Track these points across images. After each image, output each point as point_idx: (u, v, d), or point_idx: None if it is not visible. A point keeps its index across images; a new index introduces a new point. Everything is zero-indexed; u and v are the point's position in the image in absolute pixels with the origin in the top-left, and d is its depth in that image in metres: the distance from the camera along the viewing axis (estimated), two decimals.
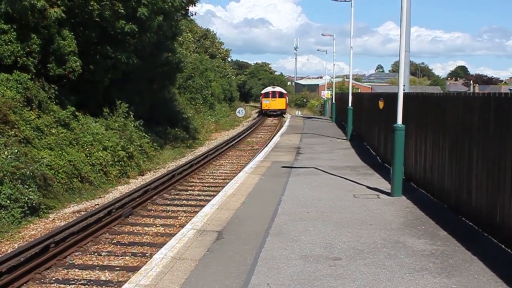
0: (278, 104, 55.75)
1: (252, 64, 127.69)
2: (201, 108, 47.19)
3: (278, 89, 58.23)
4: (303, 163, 16.78)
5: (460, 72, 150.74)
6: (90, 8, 20.57)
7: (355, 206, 10.42)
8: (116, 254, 10.73)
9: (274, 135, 31.54)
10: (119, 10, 21.60)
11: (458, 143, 9.39)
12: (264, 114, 56.19)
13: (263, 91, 59.11)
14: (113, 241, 11.66)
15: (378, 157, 17.86)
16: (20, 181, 14.17)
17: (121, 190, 18.38)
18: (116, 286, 9.01)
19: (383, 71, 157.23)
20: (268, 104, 55.89)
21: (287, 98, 59.21)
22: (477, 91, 78.74)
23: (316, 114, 59.87)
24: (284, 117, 53.62)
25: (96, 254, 10.78)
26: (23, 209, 13.56)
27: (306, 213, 9.88)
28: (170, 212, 14.45)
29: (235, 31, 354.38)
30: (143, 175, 21.65)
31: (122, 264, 10.16)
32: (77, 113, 20.60)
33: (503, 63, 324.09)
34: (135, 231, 12.56)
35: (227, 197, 11.43)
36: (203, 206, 11.92)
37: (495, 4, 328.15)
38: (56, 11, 19.04)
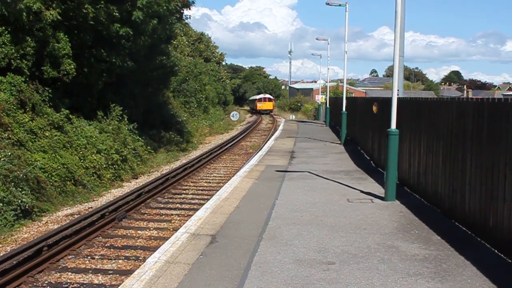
0: (267, 106, 78.52)
1: (247, 68, 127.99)
2: (195, 112, 47.18)
3: (267, 95, 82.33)
4: (297, 167, 16.80)
5: (454, 77, 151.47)
6: (85, 11, 20.54)
7: (348, 211, 10.43)
8: (109, 258, 10.69)
9: (268, 139, 31.55)
10: (114, 13, 21.59)
11: (452, 148, 9.43)
12: (258, 112, 76.98)
13: (257, 97, 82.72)
14: (106, 245, 11.62)
15: (372, 162, 17.90)
16: (13, 184, 14.10)
17: (114, 193, 18.32)
18: None
19: (377, 75, 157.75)
20: (261, 106, 78.27)
21: (273, 102, 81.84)
22: (470, 96, 79.01)
23: (310, 118, 59.99)
24: (271, 115, 72.20)
25: (89, 257, 10.73)
26: (16, 212, 13.49)
27: (300, 217, 9.89)
28: (163, 216, 14.41)
29: (230, 35, 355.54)
30: (137, 178, 21.60)
31: (115, 268, 10.12)
32: (71, 116, 20.54)
33: (496, 68, 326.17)
34: (129, 234, 12.52)
35: (221, 201, 11.42)
36: (196, 209, 11.91)
37: (490, 9, 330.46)
38: (52, 13, 19.01)
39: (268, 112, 75.71)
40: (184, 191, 17.96)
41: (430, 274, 6.75)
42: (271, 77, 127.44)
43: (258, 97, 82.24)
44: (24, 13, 18.39)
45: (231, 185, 13.49)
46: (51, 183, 16.28)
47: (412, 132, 12.12)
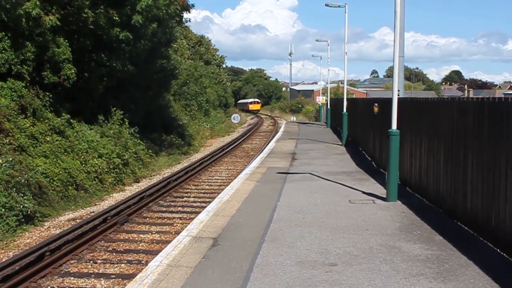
0: (256, 106, 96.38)
1: (247, 70, 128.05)
2: (196, 115, 47.17)
3: (256, 99, 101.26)
4: (299, 168, 16.79)
5: (454, 77, 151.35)
6: (84, 16, 20.57)
7: (350, 212, 10.42)
8: (112, 262, 10.69)
9: (269, 141, 31.53)
10: (114, 17, 21.61)
11: (453, 147, 9.42)
12: (251, 112, 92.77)
13: (249, 100, 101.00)
14: (108, 249, 11.62)
15: (373, 162, 17.88)
16: (15, 189, 14.10)
17: (116, 197, 18.33)
18: None
19: (377, 76, 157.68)
20: (252, 107, 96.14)
21: (261, 104, 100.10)
22: (471, 95, 78.98)
23: (311, 119, 59.99)
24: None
25: (91, 262, 10.73)
26: (18, 217, 13.50)
27: (302, 219, 9.88)
28: (165, 219, 14.41)
29: (232, 38, 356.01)
30: (138, 182, 21.61)
31: (117, 272, 10.13)
32: (72, 120, 20.57)
33: (497, 67, 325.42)
34: (131, 238, 12.52)
35: (223, 203, 11.42)
36: (198, 212, 11.90)
37: (492, 9, 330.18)
38: (51, 19, 19.04)
39: (256, 112, 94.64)
40: (186, 194, 17.96)
41: (432, 274, 6.74)
42: (271, 79, 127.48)
43: (249, 100, 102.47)
44: (24, 19, 18.41)
45: (232, 187, 13.49)
46: (52, 188, 16.28)
47: (413, 132, 12.10)
